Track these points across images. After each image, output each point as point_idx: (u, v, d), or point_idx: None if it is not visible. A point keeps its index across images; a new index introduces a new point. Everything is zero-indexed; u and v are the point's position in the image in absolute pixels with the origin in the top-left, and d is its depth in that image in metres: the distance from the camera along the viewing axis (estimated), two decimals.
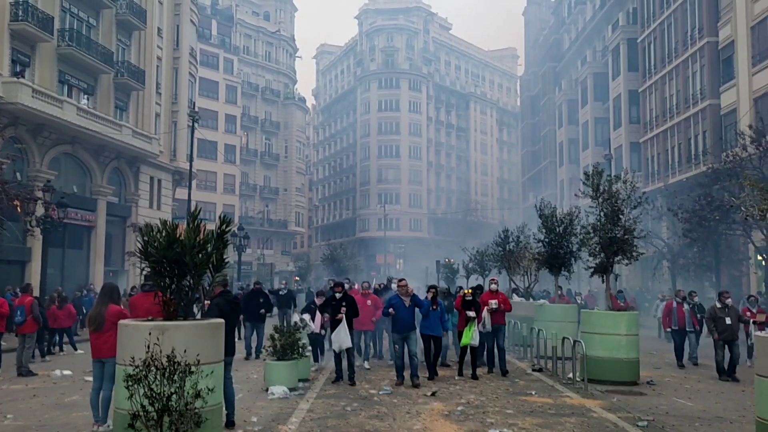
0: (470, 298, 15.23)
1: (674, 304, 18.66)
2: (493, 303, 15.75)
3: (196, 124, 37.02)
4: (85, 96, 34.16)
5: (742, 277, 32.72)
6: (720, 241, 28.38)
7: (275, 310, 24.63)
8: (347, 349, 14.06)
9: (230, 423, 9.77)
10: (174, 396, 5.99)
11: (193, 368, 6.31)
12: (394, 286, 17.47)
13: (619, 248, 15.02)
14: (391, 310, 14.39)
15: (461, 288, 19.66)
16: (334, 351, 14.22)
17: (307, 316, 15.64)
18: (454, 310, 16.33)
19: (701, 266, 29.91)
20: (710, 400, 13.05)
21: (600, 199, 15.35)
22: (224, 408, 8.86)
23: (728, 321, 15.60)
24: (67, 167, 33.55)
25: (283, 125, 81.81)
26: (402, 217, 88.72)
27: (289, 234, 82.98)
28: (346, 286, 18.00)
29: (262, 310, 19.07)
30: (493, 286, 16.43)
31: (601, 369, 14.45)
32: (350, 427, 9.90)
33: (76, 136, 32.09)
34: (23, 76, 28.95)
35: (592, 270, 15.76)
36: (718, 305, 16.05)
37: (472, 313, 14.93)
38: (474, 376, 14.93)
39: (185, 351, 6.80)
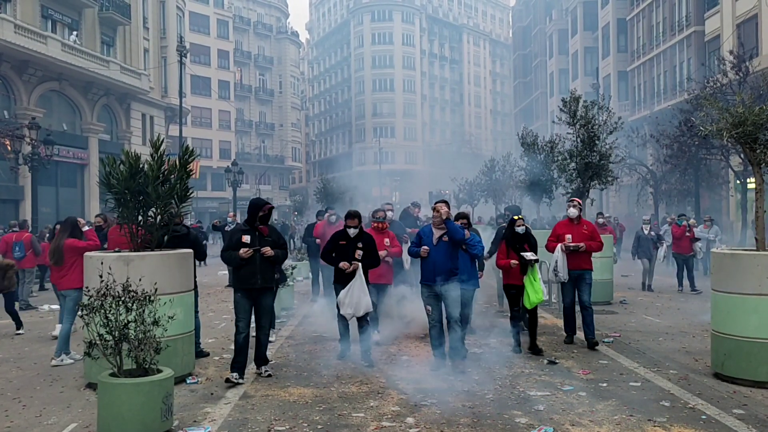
0: (522, 229, 9.79)
1: None
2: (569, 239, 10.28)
3: (188, 60, 36.67)
4: (73, 32, 33.77)
5: (722, 201, 33.39)
6: (700, 166, 28.70)
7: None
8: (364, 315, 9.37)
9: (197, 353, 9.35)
10: (132, 324, 6.08)
11: (152, 297, 6.34)
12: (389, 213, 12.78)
13: (595, 173, 15.20)
14: (425, 248, 8.82)
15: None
16: (343, 317, 9.45)
17: None
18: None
19: (682, 191, 30.37)
20: (678, 316, 13.48)
21: (577, 126, 15.45)
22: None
23: None
24: (56, 105, 33.37)
25: (277, 60, 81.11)
26: (397, 151, 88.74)
27: (287, 169, 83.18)
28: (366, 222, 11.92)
29: None
30: (572, 211, 10.52)
31: None
32: (326, 351, 10.07)
33: (63, 72, 31.84)
34: (4, 11, 28.43)
35: (568, 195, 15.93)
36: None
37: (530, 255, 9.51)
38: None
39: (140, 280, 6.85)
